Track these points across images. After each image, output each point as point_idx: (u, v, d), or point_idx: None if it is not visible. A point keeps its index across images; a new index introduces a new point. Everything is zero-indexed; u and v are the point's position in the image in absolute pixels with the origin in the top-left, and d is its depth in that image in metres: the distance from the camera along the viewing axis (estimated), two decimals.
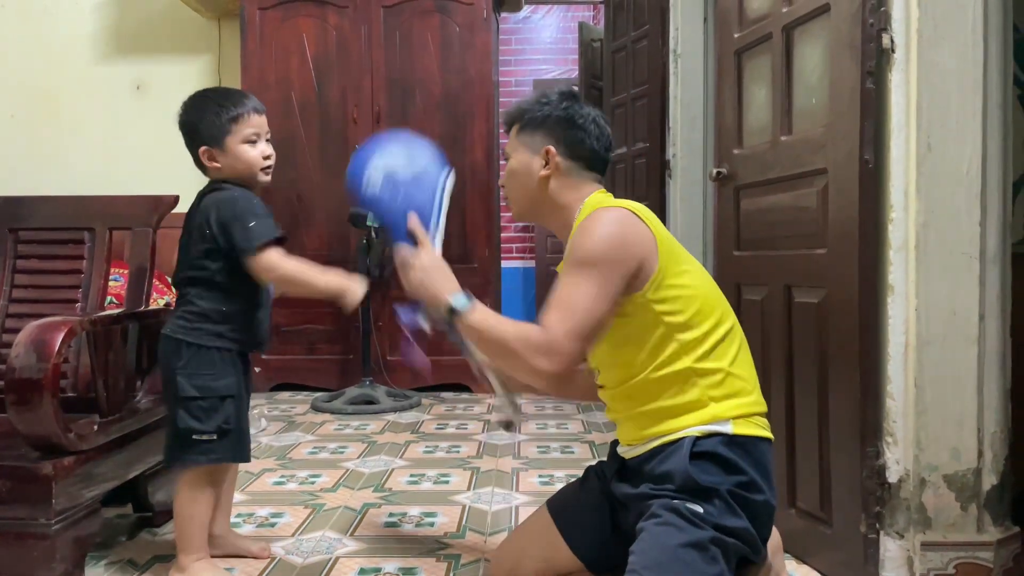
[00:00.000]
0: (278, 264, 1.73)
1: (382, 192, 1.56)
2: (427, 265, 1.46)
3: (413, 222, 1.51)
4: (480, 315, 1.40)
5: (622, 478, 1.45)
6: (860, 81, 1.71)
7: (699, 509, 1.27)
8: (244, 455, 1.80)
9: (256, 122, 1.79)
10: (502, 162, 4.89)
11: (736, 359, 1.38)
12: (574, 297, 1.32)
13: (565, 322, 1.31)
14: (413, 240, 1.50)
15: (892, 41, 1.70)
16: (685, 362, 1.35)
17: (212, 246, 1.73)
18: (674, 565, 1.22)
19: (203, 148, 1.77)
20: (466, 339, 1.44)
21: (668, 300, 1.35)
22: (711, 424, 1.33)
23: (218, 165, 1.77)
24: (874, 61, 1.70)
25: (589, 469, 1.58)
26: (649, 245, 1.36)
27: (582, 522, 1.50)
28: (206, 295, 1.76)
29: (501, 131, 7.09)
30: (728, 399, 1.35)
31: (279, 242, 1.74)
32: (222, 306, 1.76)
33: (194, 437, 1.72)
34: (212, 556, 1.86)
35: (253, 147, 1.78)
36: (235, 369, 1.77)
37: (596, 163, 1.52)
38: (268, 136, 1.83)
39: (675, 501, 1.28)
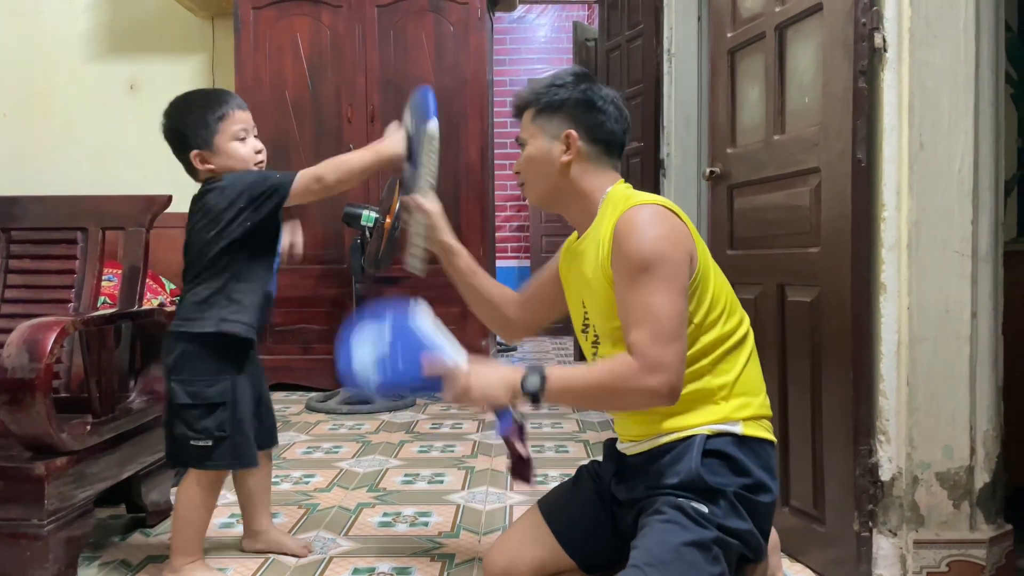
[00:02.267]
0: (318, 172, 1.70)
1: (381, 374, 1.48)
2: (475, 379, 1.36)
3: (428, 366, 1.42)
4: (561, 379, 1.33)
5: (621, 479, 1.45)
6: (852, 80, 1.72)
7: (704, 509, 1.27)
8: (244, 460, 1.76)
9: (242, 118, 1.78)
10: (497, 161, 4.85)
11: (748, 362, 1.38)
12: (652, 305, 1.27)
13: (654, 333, 1.26)
14: (439, 379, 1.41)
15: (884, 40, 1.70)
16: (702, 361, 1.34)
17: (223, 230, 1.70)
18: (677, 563, 1.22)
19: (194, 152, 1.75)
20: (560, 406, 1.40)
21: (696, 300, 1.34)
22: (721, 424, 1.32)
23: (211, 167, 1.76)
24: (866, 60, 1.71)
25: (581, 469, 1.58)
26: (690, 240, 1.35)
27: (574, 521, 1.49)
28: (213, 282, 1.72)
29: (508, 121, 7.11)
30: (737, 398, 1.34)
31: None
32: (229, 289, 1.72)
33: (192, 443, 1.72)
34: (252, 551, 1.92)
35: (243, 144, 1.77)
36: (232, 368, 1.73)
37: (615, 147, 1.47)
38: (255, 131, 1.82)
39: (680, 499, 1.28)
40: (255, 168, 1.79)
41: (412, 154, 1.62)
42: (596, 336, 1.47)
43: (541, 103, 1.46)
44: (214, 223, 1.71)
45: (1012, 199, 2.24)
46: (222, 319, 1.72)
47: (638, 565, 1.22)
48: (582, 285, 1.48)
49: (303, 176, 1.71)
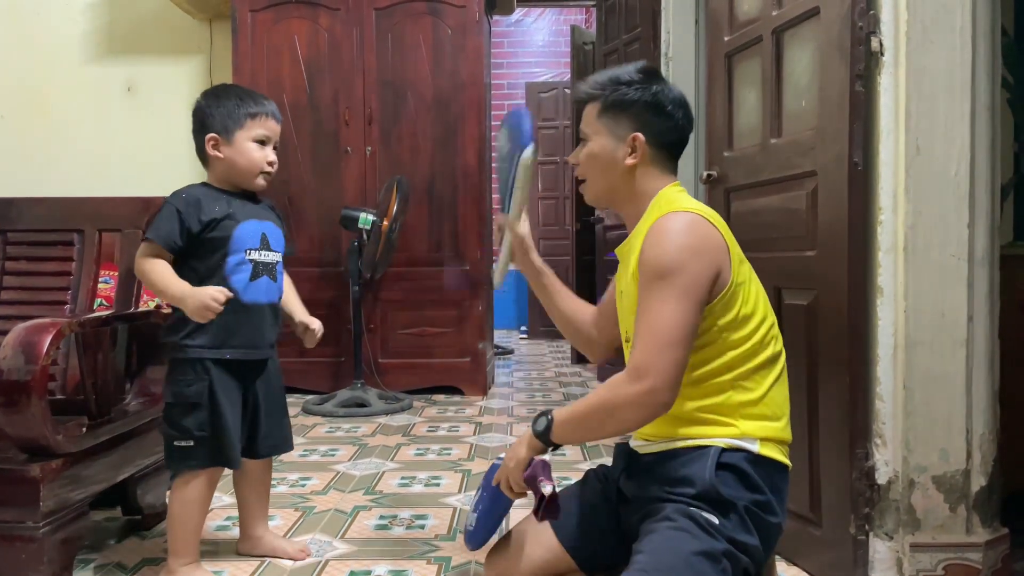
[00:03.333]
0: (138, 260, 1.73)
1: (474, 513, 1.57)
2: (507, 454, 1.45)
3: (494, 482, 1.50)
4: (564, 412, 1.36)
5: (631, 475, 1.44)
6: (849, 84, 1.72)
7: (715, 520, 1.26)
8: (223, 460, 1.77)
9: (270, 126, 1.80)
10: (495, 164, 4.87)
11: (776, 384, 1.36)
12: (657, 313, 1.26)
13: (648, 339, 1.25)
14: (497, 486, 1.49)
15: (881, 44, 1.71)
16: (728, 375, 1.32)
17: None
18: (686, 572, 1.21)
19: (211, 135, 1.77)
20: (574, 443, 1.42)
21: (731, 313, 1.32)
22: (739, 440, 1.31)
23: (221, 156, 1.77)
24: (863, 64, 1.71)
25: (589, 472, 1.58)
26: (722, 252, 1.31)
27: (579, 523, 1.49)
28: None
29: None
30: (759, 420, 1.33)
31: (170, 249, 1.73)
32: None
33: (175, 443, 1.75)
34: (248, 555, 1.93)
35: (260, 148, 1.79)
36: (208, 376, 1.74)
37: (680, 150, 1.46)
38: (277, 146, 1.84)
39: (692, 508, 1.27)
40: (261, 176, 1.82)
41: (506, 178, 1.62)
42: None
43: (609, 100, 1.42)
44: None
45: (1008, 203, 2.25)
46: (179, 345, 1.75)
47: (645, 570, 1.21)
48: (625, 292, 1.46)
49: (138, 252, 1.74)
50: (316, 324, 1.96)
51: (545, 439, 1.36)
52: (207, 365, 1.75)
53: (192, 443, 1.73)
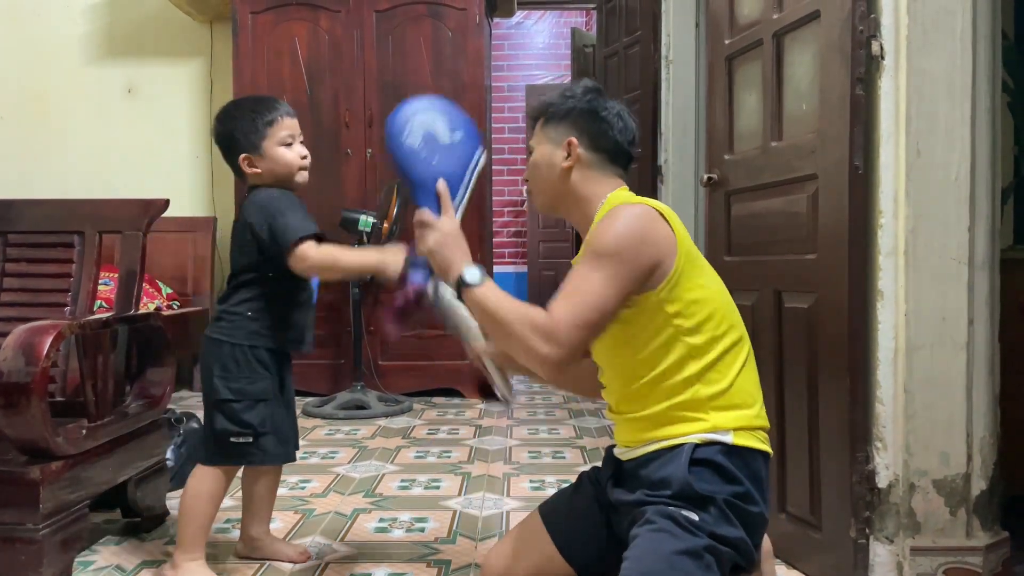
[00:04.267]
0: (308, 254, 1.73)
1: (420, 148, 1.53)
2: (448, 231, 1.43)
3: (442, 187, 1.48)
4: (489, 290, 1.37)
5: (618, 483, 1.44)
6: (850, 87, 1.72)
7: (695, 517, 1.26)
8: (284, 456, 1.84)
9: (289, 124, 1.82)
10: (495, 167, 4.86)
11: (742, 371, 1.37)
12: (583, 287, 1.31)
13: (570, 310, 1.30)
14: (437, 205, 1.47)
15: (882, 48, 1.71)
16: (691, 368, 1.33)
17: (254, 248, 1.78)
18: (669, 572, 1.21)
19: (243, 156, 1.79)
20: (470, 313, 1.43)
21: (680, 302, 1.34)
22: (711, 433, 1.32)
23: (258, 170, 1.80)
24: (864, 68, 1.71)
25: (583, 475, 1.57)
26: (668, 244, 1.34)
27: (574, 528, 1.49)
28: (247, 296, 1.79)
29: (506, 127, 7.12)
30: (730, 410, 1.33)
31: (318, 237, 1.76)
32: (259, 305, 1.79)
33: (231, 440, 1.76)
34: (248, 557, 1.94)
35: (289, 149, 1.82)
36: (270, 371, 1.80)
37: (619, 156, 1.50)
38: (301, 138, 1.86)
39: (671, 508, 1.27)
40: (300, 173, 1.83)
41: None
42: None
43: (549, 112, 1.50)
44: (244, 242, 1.79)
45: (1008, 206, 2.25)
46: (255, 333, 1.78)
47: None
48: None
49: (300, 251, 1.72)
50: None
51: (459, 287, 1.38)
52: (271, 360, 1.79)
53: (251, 439, 1.76)
